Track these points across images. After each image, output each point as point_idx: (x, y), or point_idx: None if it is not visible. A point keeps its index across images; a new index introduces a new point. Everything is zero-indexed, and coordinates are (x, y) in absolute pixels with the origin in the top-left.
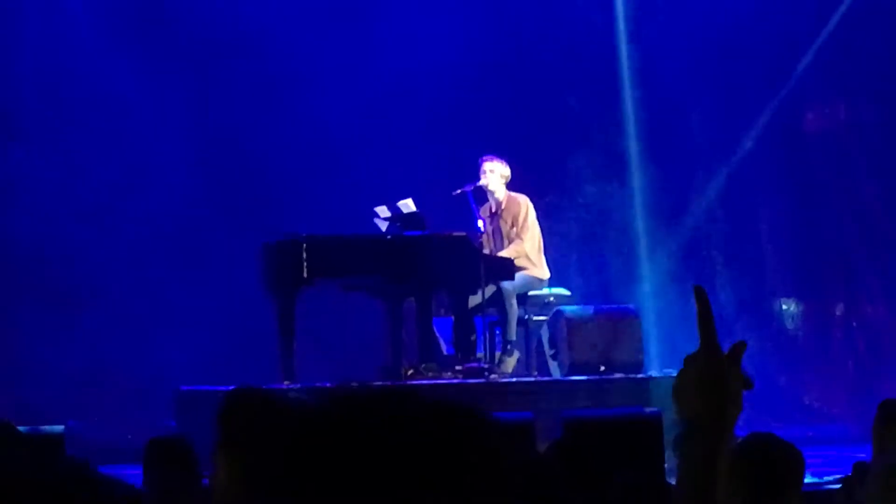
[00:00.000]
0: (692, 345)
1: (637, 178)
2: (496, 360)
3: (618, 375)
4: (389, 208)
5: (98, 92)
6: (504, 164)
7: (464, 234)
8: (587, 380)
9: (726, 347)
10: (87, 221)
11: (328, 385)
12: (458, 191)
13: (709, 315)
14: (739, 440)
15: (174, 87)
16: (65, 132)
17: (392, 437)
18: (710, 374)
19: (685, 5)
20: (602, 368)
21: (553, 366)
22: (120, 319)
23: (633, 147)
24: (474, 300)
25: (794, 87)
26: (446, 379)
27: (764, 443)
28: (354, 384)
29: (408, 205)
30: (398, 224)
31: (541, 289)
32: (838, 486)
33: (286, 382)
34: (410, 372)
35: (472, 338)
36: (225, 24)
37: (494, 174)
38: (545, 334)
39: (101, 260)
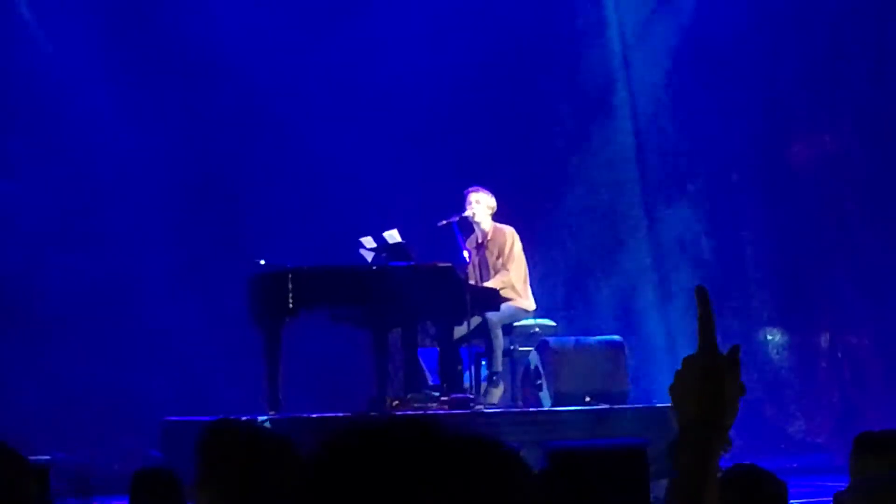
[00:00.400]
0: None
1: (622, 209)
2: (482, 391)
3: (603, 406)
4: (375, 239)
5: (82, 120)
6: (490, 195)
7: (449, 264)
8: (572, 410)
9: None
10: (72, 250)
11: (331, 415)
12: (444, 222)
13: (709, 316)
14: (723, 471)
15: (160, 116)
16: (49, 161)
17: (410, 467)
18: (709, 375)
19: (675, 37)
20: (587, 399)
21: (544, 395)
22: (105, 349)
23: (617, 178)
24: (460, 331)
25: (780, 117)
26: (432, 410)
27: (747, 473)
28: (368, 416)
29: (393, 235)
30: (383, 255)
31: (526, 319)
32: None
33: (271, 412)
34: (396, 402)
35: (458, 368)
36: (212, 51)
37: (480, 205)
38: (534, 360)
39: (85, 289)
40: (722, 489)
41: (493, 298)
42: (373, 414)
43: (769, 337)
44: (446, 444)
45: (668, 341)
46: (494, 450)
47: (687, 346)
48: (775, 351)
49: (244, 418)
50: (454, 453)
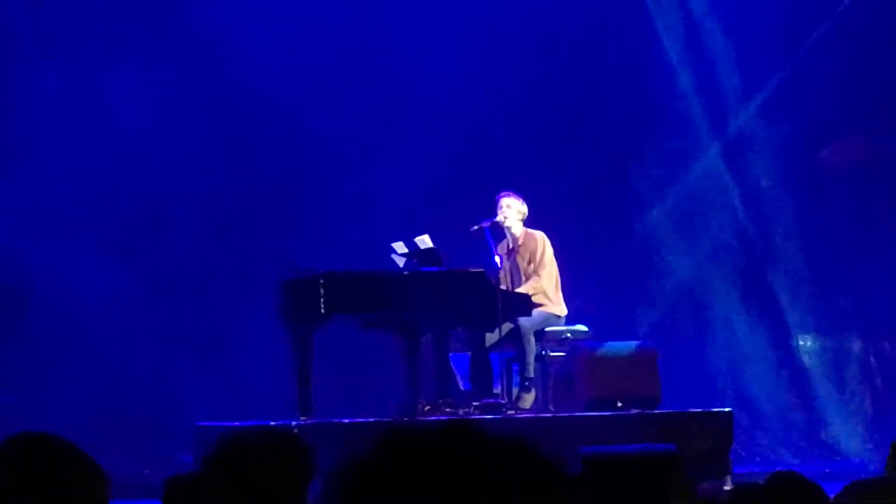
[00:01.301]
0: (707, 379)
1: (655, 214)
2: (514, 397)
3: (634, 411)
4: (406, 244)
5: (115, 125)
6: (521, 200)
7: (481, 269)
8: (604, 416)
9: (743, 375)
10: (106, 254)
11: (372, 420)
12: (476, 227)
13: None
14: (765, 478)
15: (191, 120)
16: (80, 165)
17: (454, 469)
18: None
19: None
20: (619, 404)
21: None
22: (138, 354)
23: (647, 181)
24: (491, 337)
25: (814, 121)
26: (463, 415)
27: (788, 480)
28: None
29: (425, 241)
30: (415, 260)
31: (558, 325)
32: None
33: (303, 418)
34: (427, 408)
35: (489, 374)
36: (241, 57)
37: (511, 210)
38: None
39: (119, 293)
40: (763, 496)
41: (525, 304)
42: (407, 419)
43: (801, 343)
44: (486, 446)
45: (699, 346)
46: (531, 453)
47: (716, 352)
48: (808, 357)
49: (273, 423)
50: (493, 455)
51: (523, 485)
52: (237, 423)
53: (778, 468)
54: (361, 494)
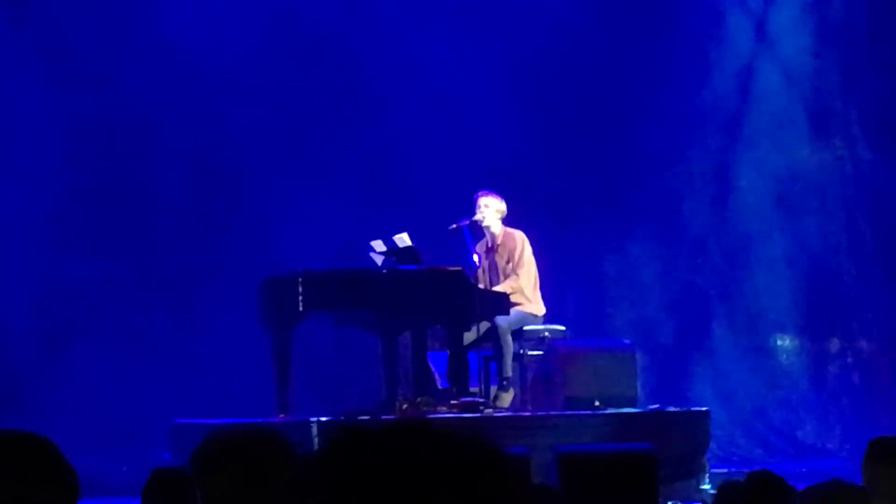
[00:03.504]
0: (685, 379)
1: (633, 210)
2: (492, 396)
3: (612, 410)
4: (385, 242)
5: (99, 125)
6: (500, 199)
7: (459, 268)
8: (582, 415)
9: (721, 374)
10: (84, 255)
11: (331, 419)
12: (454, 225)
13: None
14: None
15: (170, 120)
16: (60, 169)
17: (406, 468)
18: None
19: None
20: (597, 403)
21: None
22: (115, 351)
23: (629, 179)
24: (469, 336)
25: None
26: (441, 413)
27: (764, 481)
28: (361, 418)
29: (403, 239)
30: (394, 258)
31: (536, 324)
32: None
33: (281, 415)
34: (405, 406)
35: (467, 372)
36: (234, 54)
37: (490, 209)
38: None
39: (95, 291)
40: (739, 495)
41: (503, 303)
42: (366, 417)
43: (779, 342)
44: (441, 445)
45: (677, 345)
46: (488, 450)
47: (697, 351)
48: (785, 356)
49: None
50: (448, 454)
51: (479, 484)
52: (215, 421)
53: (755, 468)
54: (313, 494)
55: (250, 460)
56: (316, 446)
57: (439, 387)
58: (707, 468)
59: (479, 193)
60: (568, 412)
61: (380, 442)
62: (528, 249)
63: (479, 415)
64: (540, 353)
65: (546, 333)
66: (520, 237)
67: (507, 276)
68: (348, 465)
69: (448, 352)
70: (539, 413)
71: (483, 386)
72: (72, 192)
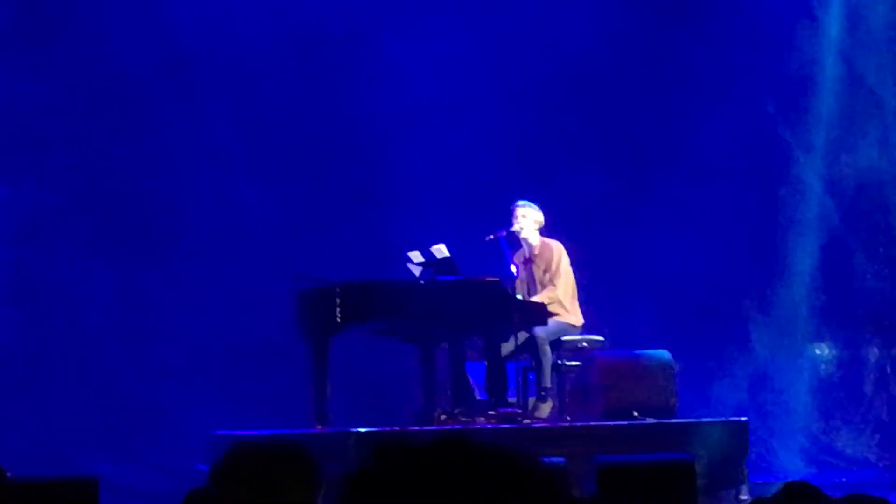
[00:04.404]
0: (723, 389)
1: (670, 222)
2: (530, 406)
3: (651, 420)
4: (422, 254)
5: (126, 132)
6: (537, 209)
7: (497, 279)
8: (620, 425)
9: (759, 383)
10: (117, 263)
11: (370, 430)
12: (491, 236)
13: None
14: (779, 488)
15: (214, 132)
16: (93, 174)
17: (449, 483)
18: None
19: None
20: (635, 414)
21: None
22: (152, 363)
23: (659, 187)
24: (507, 346)
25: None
26: (479, 424)
27: (802, 492)
28: (401, 433)
29: (441, 250)
30: (431, 269)
31: (574, 334)
32: None
33: (319, 427)
34: (443, 417)
35: (505, 383)
36: (257, 62)
37: (527, 220)
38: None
39: (134, 302)
40: None
41: (541, 313)
42: (413, 429)
43: (817, 351)
44: (482, 460)
45: (716, 355)
46: (527, 463)
47: (732, 361)
48: (823, 366)
49: (286, 432)
50: (489, 469)
51: (520, 497)
52: (253, 433)
53: (793, 478)
54: None
55: (268, 474)
56: (354, 457)
57: (477, 398)
58: (746, 478)
59: (516, 204)
60: (606, 422)
61: (423, 458)
62: (566, 259)
63: (517, 426)
64: (578, 363)
65: (584, 344)
66: (557, 247)
67: (544, 287)
68: (393, 482)
69: (486, 362)
70: (577, 423)
71: (521, 397)
72: (97, 196)
